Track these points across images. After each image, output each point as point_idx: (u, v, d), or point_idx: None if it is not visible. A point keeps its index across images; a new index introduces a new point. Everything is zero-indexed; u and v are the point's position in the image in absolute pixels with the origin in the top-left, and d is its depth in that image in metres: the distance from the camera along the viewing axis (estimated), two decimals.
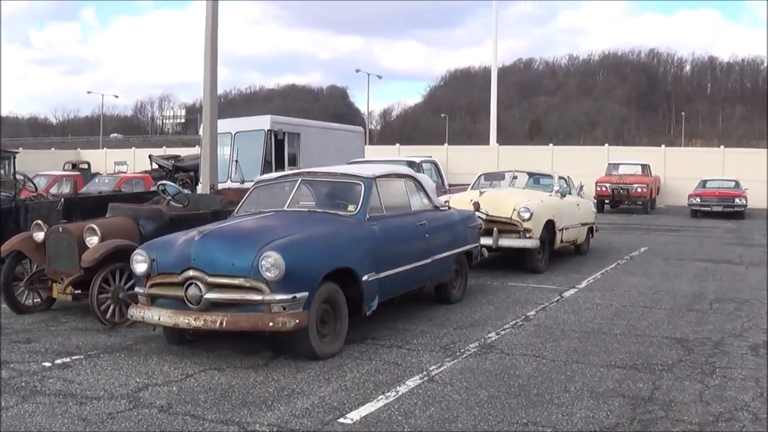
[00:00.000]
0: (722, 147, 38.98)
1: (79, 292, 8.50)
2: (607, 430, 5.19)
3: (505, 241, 12.14)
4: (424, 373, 6.51)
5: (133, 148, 54.42)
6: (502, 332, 8.16)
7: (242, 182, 16.46)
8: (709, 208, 27.83)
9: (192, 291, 6.68)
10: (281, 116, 19.41)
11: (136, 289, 7.23)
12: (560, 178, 14.77)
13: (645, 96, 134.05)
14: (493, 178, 15.46)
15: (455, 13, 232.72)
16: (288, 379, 6.31)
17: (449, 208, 10.11)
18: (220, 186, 14.54)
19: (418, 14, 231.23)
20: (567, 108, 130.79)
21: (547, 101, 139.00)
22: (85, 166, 37.27)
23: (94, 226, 8.52)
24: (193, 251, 6.78)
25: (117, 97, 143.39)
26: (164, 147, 52.93)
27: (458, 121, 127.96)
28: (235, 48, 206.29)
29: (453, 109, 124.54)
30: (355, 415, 5.39)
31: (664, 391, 6.11)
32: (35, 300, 9.15)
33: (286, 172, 9.87)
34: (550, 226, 12.78)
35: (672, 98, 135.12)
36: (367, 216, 7.93)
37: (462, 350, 7.33)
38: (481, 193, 12.84)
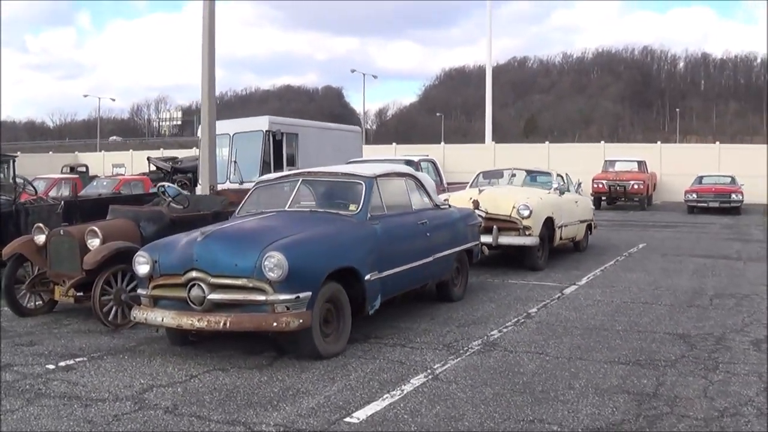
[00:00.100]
0: (718, 143, 38.96)
1: (81, 294, 8.48)
2: (613, 427, 5.16)
3: (505, 239, 12.11)
4: (429, 371, 6.48)
5: (131, 150, 54.30)
6: (505, 330, 8.14)
7: (241, 183, 16.43)
8: (705, 204, 27.86)
9: (195, 292, 6.64)
10: (279, 117, 19.37)
11: (139, 291, 7.20)
12: (558, 175, 14.74)
13: (639, 93, 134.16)
14: (492, 176, 15.43)
15: (450, 13, 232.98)
16: (292, 378, 6.27)
17: (449, 206, 10.09)
18: (219, 187, 14.51)
19: (412, 14, 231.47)
20: (561, 106, 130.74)
21: (541, 99, 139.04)
22: (83, 169, 37.19)
23: (96, 229, 8.48)
24: (196, 252, 6.74)
25: (114, 100, 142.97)
26: (161, 149, 52.89)
27: (453, 119, 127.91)
28: (231, 50, 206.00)
29: (448, 108, 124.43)
30: (361, 414, 5.36)
31: (669, 386, 6.09)
32: (37, 303, 9.11)
33: (287, 172, 9.82)
34: (549, 224, 12.76)
35: (666, 95, 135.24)
36: (369, 215, 7.90)
37: (465, 348, 7.30)
38: (480, 191, 12.82)
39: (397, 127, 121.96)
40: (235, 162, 17.26)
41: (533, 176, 15.24)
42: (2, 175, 16.03)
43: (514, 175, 15.05)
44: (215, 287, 6.61)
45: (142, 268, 7.03)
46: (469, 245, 10.04)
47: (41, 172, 29.36)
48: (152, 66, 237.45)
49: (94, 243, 8.42)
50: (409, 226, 8.55)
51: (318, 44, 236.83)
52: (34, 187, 11.40)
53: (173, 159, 30.59)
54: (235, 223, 7.71)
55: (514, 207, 12.18)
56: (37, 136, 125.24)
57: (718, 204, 27.73)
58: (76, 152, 56.72)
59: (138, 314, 7.02)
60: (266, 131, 17.45)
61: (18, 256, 8.91)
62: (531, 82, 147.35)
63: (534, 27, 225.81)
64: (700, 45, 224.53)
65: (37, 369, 6.64)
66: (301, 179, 8.53)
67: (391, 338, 7.71)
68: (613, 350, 7.26)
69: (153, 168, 29.53)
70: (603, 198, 30.26)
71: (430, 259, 8.77)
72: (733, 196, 27.76)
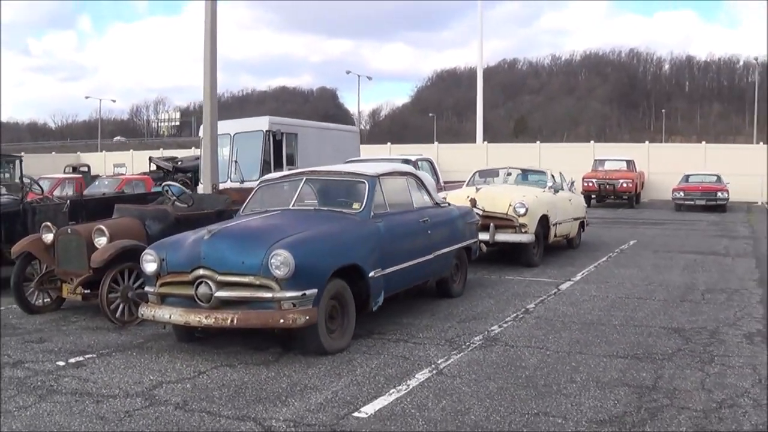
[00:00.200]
0: (704, 143, 39.05)
1: (89, 291, 8.41)
2: (616, 419, 5.13)
3: (502, 236, 12.08)
4: (433, 366, 6.44)
5: (131, 150, 54.13)
6: (505, 325, 8.10)
7: (242, 182, 16.34)
8: (692, 202, 27.91)
9: (202, 289, 6.59)
10: (279, 117, 19.29)
11: (146, 289, 7.13)
12: (551, 174, 14.71)
13: (626, 94, 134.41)
14: (488, 175, 15.39)
15: (441, 16, 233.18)
16: (299, 374, 6.22)
17: (449, 204, 10.05)
18: (221, 186, 14.43)
19: (405, 17, 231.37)
20: (551, 107, 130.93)
21: (531, 100, 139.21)
22: (85, 168, 37.02)
23: (103, 227, 8.42)
24: (203, 250, 6.69)
25: (114, 101, 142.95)
26: (161, 149, 52.68)
27: (445, 120, 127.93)
28: (228, 52, 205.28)
29: (440, 109, 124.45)
30: (369, 409, 5.31)
31: (667, 379, 6.07)
32: (45, 300, 9.05)
33: (291, 171, 9.75)
34: (544, 221, 12.73)
35: (652, 96, 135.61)
36: (372, 213, 7.86)
37: (467, 343, 7.27)
38: (477, 190, 12.79)
39: (390, 128, 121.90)
40: (236, 161, 17.16)
41: (528, 175, 15.22)
42: (8, 175, 15.96)
43: (509, 174, 15.03)
44: (222, 285, 6.56)
45: (149, 266, 6.98)
46: (467, 243, 10.00)
47: (45, 172, 29.23)
48: (151, 68, 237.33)
49: (101, 241, 8.36)
50: (410, 224, 8.51)
51: (313, 46, 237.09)
52: (40, 187, 11.31)
53: (173, 159, 30.48)
54: (241, 221, 7.64)
55: (510, 205, 12.16)
56: (40, 137, 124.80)
57: (705, 202, 27.79)
58: (78, 152, 56.51)
59: (146, 311, 6.96)
60: (266, 131, 17.37)
61: (26, 254, 8.85)
62: (521, 83, 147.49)
63: (523, 30, 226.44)
64: (684, 48, 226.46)
65: (48, 365, 6.57)
66: (304, 178, 8.46)
67: (393, 334, 7.66)
68: (611, 344, 7.23)
69: (153, 167, 29.42)
70: (593, 196, 30.24)
71: (431, 256, 8.73)
72: (719, 194, 27.80)
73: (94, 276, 8.24)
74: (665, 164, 34.82)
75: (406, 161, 15.87)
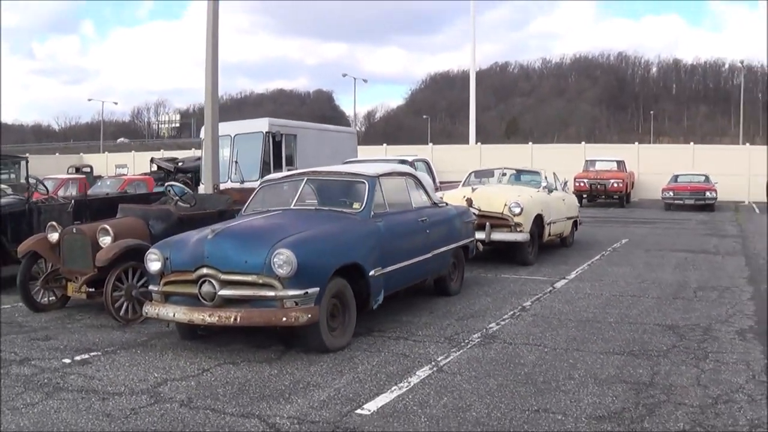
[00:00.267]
0: (692, 143, 39.07)
1: (93, 290, 8.37)
2: (615, 415, 5.09)
3: (497, 235, 12.03)
4: (433, 363, 6.38)
5: (133, 151, 53.98)
6: (502, 322, 8.05)
7: (242, 182, 16.30)
8: (681, 201, 27.89)
9: (206, 288, 6.53)
10: (278, 119, 19.23)
11: (150, 287, 7.06)
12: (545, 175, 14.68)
13: (614, 97, 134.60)
14: (483, 175, 15.33)
15: (434, 20, 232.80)
16: (302, 372, 6.16)
17: (446, 204, 9.99)
18: (222, 186, 14.37)
19: (399, 21, 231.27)
20: (541, 108, 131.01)
21: (522, 102, 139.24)
22: (88, 169, 36.89)
23: (107, 227, 8.35)
24: (207, 249, 6.63)
25: (116, 103, 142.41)
26: (162, 150, 52.51)
27: (439, 121, 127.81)
28: (227, 56, 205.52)
29: (434, 111, 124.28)
30: (371, 406, 5.26)
31: (663, 375, 6.03)
32: (50, 298, 8.98)
33: (292, 171, 9.70)
34: (539, 221, 12.69)
35: (640, 98, 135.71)
36: (372, 213, 7.80)
37: (466, 341, 7.21)
38: (473, 190, 12.74)
39: (385, 129, 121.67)
40: (236, 162, 17.12)
41: (522, 175, 15.18)
42: (14, 176, 15.89)
43: (504, 175, 14.98)
44: (225, 283, 6.50)
45: (153, 264, 6.91)
46: (465, 242, 9.96)
47: (48, 172, 29.01)
48: (152, 71, 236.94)
49: (105, 241, 8.29)
50: (410, 223, 8.46)
51: (309, 50, 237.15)
52: (45, 187, 11.22)
53: (174, 160, 30.38)
54: (244, 221, 7.57)
55: (506, 205, 12.11)
56: (43, 138, 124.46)
57: (694, 201, 27.78)
58: (81, 153, 56.34)
59: (150, 310, 6.90)
60: (266, 132, 17.32)
61: (32, 253, 8.78)
62: (512, 86, 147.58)
63: (514, 34, 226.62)
64: (671, 51, 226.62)
65: (54, 363, 6.50)
66: (305, 178, 8.40)
67: (393, 332, 7.61)
68: (607, 341, 7.19)
69: (155, 168, 29.31)
70: (584, 196, 30.18)
71: (430, 255, 8.68)
72: (708, 193, 27.79)
73: (99, 275, 8.18)
74: (654, 164, 34.85)
75: (403, 162, 15.81)
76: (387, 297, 7.81)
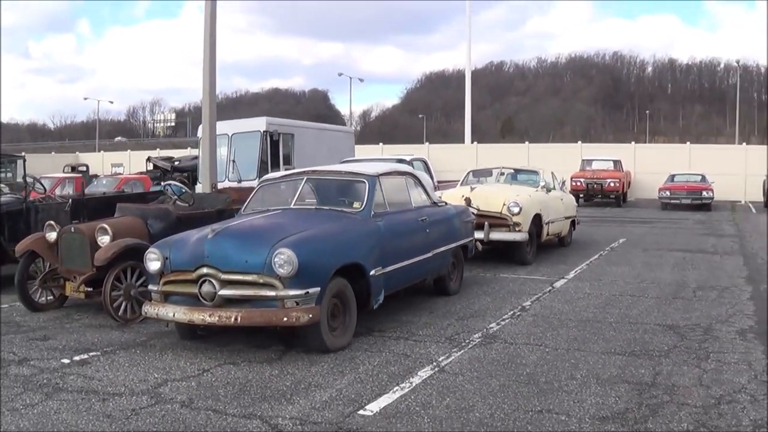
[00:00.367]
0: (688, 143, 39.07)
1: (91, 289, 8.31)
2: (619, 416, 5.07)
3: (496, 235, 12.00)
4: (434, 363, 6.35)
5: (129, 150, 53.81)
6: (502, 322, 8.03)
7: (239, 182, 16.24)
8: (678, 201, 27.89)
9: (206, 288, 6.49)
10: (276, 118, 19.17)
11: (150, 287, 7.02)
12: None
13: (610, 96, 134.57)
14: (481, 174, 15.29)
15: (430, 20, 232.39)
16: (303, 372, 6.13)
17: (446, 203, 9.96)
18: (219, 185, 14.31)
19: (395, 21, 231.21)
20: (537, 108, 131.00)
21: (517, 101, 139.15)
22: (84, 168, 36.79)
23: (106, 226, 8.30)
24: (207, 249, 6.59)
25: (112, 102, 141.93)
26: (158, 149, 52.42)
27: (434, 121, 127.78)
28: (223, 55, 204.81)
29: (429, 110, 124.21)
30: (374, 407, 5.22)
31: (665, 376, 6.01)
32: (48, 298, 8.93)
33: (292, 171, 9.65)
34: (537, 220, 12.67)
35: (635, 98, 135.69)
36: (372, 212, 7.77)
37: (467, 340, 7.19)
38: (471, 189, 12.71)
39: (380, 128, 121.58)
40: (233, 161, 17.05)
41: (521, 175, 15.14)
42: (11, 174, 15.82)
43: (502, 174, 14.94)
44: (226, 283, 6.46)
45: (153, 264, 6.87)
46: (464, 241, 9.93)
47: (45, 171, 28.92)
48: (148, 70, 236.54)
49: (104, 240, 8.25)
50: (410, 222, 8.43)
51: (305, 49, 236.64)
52: (43, 186, 11.19)
53: (170, 159, 30.28)
54: (244, 220, 7.53)
55: (504, 204, 12.09)
56: (39, 137, 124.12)
57: (690, 201, 27.77)
58: (77, 152, 56.15)
59: (150, 309, 6.85)
60: (264, 131, 17.26)
61: (30, 252, 8.73)
62: (507, 85, 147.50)
63: (510, 33, 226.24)
64: (667, 51, 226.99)
65: (53, 363, 6.46)
66: (305, 178, 8.35)
67: (393, 331, 7.58)
68: (608, 341, 7.17)
69: (150, 167, 29.21)
70: (581, 195, 30.16)
71: (430, 254, 8.65)
72: (704, 193, 27.77)
73: (97, 274, 8.14)
74: (651, 164, 34.84)
75: (401, 161, 15.77)
76: (387, 297, 7.78)
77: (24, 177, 11.75)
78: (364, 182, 8.04)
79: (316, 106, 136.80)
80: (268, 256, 6.37)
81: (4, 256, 9.90)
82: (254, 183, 14.95)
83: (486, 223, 11.89)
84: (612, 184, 29.76)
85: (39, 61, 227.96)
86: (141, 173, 28.18)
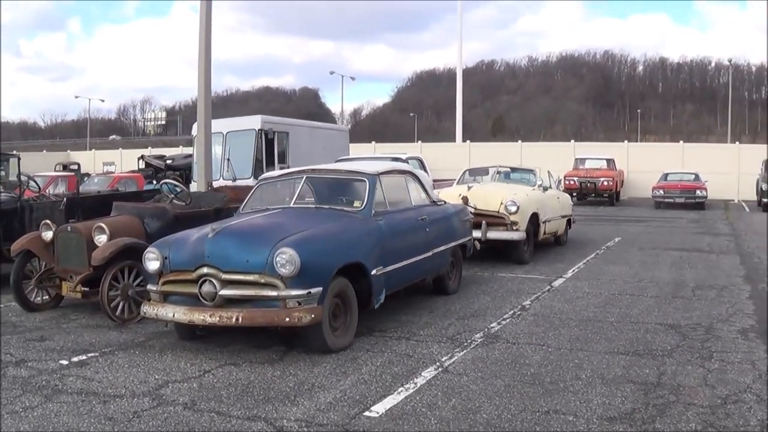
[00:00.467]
0: (681, 142, 39.21)
1: (88, 289, 8.21)
2: (626, 416, 5.03)
3: (494, 234, 11.96)
4: (438, 364, 6.30)
5: (120, 149, 53.61)
6: (503, 322, 7.98)
7: (234, 180, 16.14)
8: (672, 200, 27.92)
9: (206, 288, 6.41)
10: (271, 116, 19.09)
11: (149, 287, 6.93)
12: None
13: (601, 95, 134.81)
14: (477, 173, 15.24)
15: (421, 18, 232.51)
16: (305, 373, 6.06)
17: (444, 202, 9.91)
18: (215, 184, 14.21)
19: (385, 19, 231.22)
20: (528, 106, 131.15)
21: (508, 100, 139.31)
22: (76, 167, 36.54)
23: (103, 225, 8.22)
24: (207, 248, 6.51)
25: (103, 101, 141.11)
26: (149, 148, 52.19)
27: (425, 119, 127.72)
28: (213, 54, 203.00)
29: (420, 108, 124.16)
30: (379, 408, 5.16)
31: (670, 375, 5.98)
32: (44, 297, 8.83)
33: (291, 169, 9.57)
34: (534, 219, 12.62)
35: (626, 97, 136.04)
36: (373, 211, 7.70)
37: (468, 340, 7.13)
38: (469, 188, 12.67)
39: (371, 127, 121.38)
40: (228, 160, 16.96)
41: (517, 173, 15.10)
42: (4, 173, 15.70)
43: (499, 173, 14.90)
44: (226, 283, 6.39)
45: (152, 264, 6.78)
46: (463, 240, 9.89)
47: (36, 170, 28.70)
48: (139, 68, 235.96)
49: (101, 239, 8.16)
50: (410, 221, 8.37)
51: (296, 48, 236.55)
52: (37, 184, 11.06)
53: (161, 157, 30.13)
54: (244, 219, 7.45)
55: (502, 203, 12.04)
56: (29, 135, 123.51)
57: (684, 200, 27.80)
58: (68, 151, 55.90)
59: (149, 310, 6.77)
60: (259, 130, 17.18)
61: (26, 252, 8.62)
62: (498, 84, 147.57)
63: (501, 32, 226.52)
64: (658, 50, 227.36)
65: (51, 365, 6.37)
66: (305, 176, 8.27)
67: (394, 331, 7.52)
68: (610, 341, 7.13)
69: (142, 165, 29.08)
70: (574, 194, 30.14)
71: (430, 253, 8.59)
72: (698, 192, 27.82)
73: (94, 274, 8.05)
74: (643, 163, 34.94)
75: (397, 160, 15.69)
76: (386, 296, 7.71)
77: (18, 175, 11.63)
78: (364, 181, 7.98)
79: (306, 105, 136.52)
80: (269, 256, 6.30)
81: None
82: (249, 182, 14.93)
83: (483, 222, 11.84)
84: (605, 183, 29.80)
85: (30, 60, 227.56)
86: (133, 171, 28.06)
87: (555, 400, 5.36)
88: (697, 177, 29.16)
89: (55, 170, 32.59)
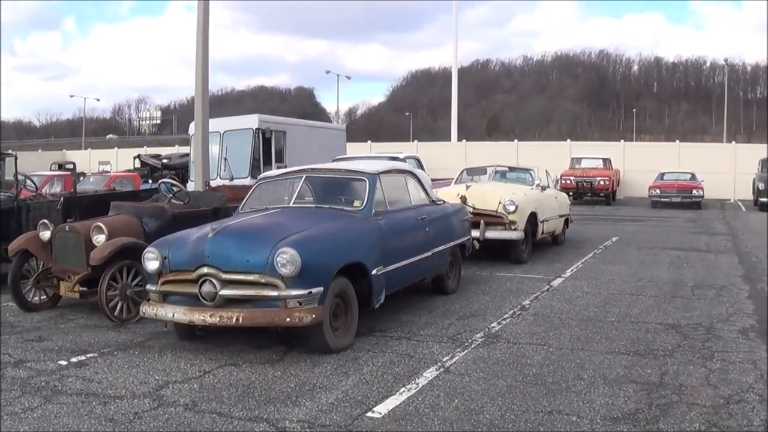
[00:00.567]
0: (678, 141, 39.21)
1: (86, 289, 8.16)
2: (629, 416, 5.01)
3: (492, 233, 11.91)
4: (439, 364, 6.27)
5: (116, 148, 53.47)
6: (503, 322, 7.96)
7: (231, 179, 16.07)
8: (668, 199, 27.89)
9: (206, 288, 6.37)
10: (268, 115, 19.03)
11: (148, 287, 6.89)
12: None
13: (596, 94, 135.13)
14: (475, 173, 15.19)
15: (416, 18, 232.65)
16: (306, 373, 6.03)
17: (444, 202, 9.88)
18: (213, 183, 14.16)
19: (380, 19, 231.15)
20: (523, 106, 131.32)
21: (503, 99, 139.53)
22: (71, 166, 36.39)
23: (101, 225, 8.17)
24: (207, 248, 6.47)
25: (98, 100, 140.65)
26: (145, 147, 52.04)
27: (420, 118, 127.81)
28: (209, 52, 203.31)
29: (415, 108, 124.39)
30: (382, 409, 5.13)
31: (672, 375, 5.96)
32: (42, 297, 8.78)
33: (290, 168, 9.53)
34: (532, 218, 12.60)
35: (621, 96, 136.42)
36: (373, 211, 7.67)
37: (469, 340, 7.11)
38: (467, 188, 12.63)
39: (366, 126, 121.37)
40: (225, 159, 16.89)
41: (515, 173, 15.08)
42: (0, 172, 15.62)
43: (497, 172, 14.87)
44: (227, 283, 6.35)
45: (151, 264, 6.74)
46: (462, 240, 9.86)
47: (32, 169, 28.55)
48: (134, 67, 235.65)
49: (99, 239, 8.11)
50: (410, 221, 8.34)
51: (290, 47, 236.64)
52: (34, 183, 11.01)
53: (157, 156, 30.03)
54: (244, 219, 7.40)
55: (500, 202, 12.02)
56: (24, 135, 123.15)
57: (680, 199, 27.76)
58: (64, 150, 55.74)
59: (148, 310, 6.72)
60: (256, 129, 17.12)
61: (23, 251, 8.57)
62: (493, 83, 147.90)
63: (496, 31, 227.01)
64: (653, 49, 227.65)
65: (50, 365, 6.32)
66: (304, 176, 8.23)
67: (395, 331, 7.49)
68: (611, 341, 7.12)
69: (138, 165, 28.96)
70: (570, 193, 30.07)
71: (429, 253, 8.56)
72: (694, 191, 27.78)
73: (93, 273, 8.00)
74: (640, 162, 34.89)
75: (394, 159, 15.66)
76: (386, 296, 7.68)
77: (15, 175, 11.57)
78: (364, 180, 7.94)
79: (301, 104, 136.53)
80: (270, 256, 6.26)
81: None
82: (246, 181, 14.89)
83: (482, 221, 11.79)
84: (602, 183, 29.80)
85: (25, 59, 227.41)
86: (129, 171, 27.95)
87: (558, 400, 5.34)
88: (693, 176, 29.15)
89: (50, 170, 32.45)
